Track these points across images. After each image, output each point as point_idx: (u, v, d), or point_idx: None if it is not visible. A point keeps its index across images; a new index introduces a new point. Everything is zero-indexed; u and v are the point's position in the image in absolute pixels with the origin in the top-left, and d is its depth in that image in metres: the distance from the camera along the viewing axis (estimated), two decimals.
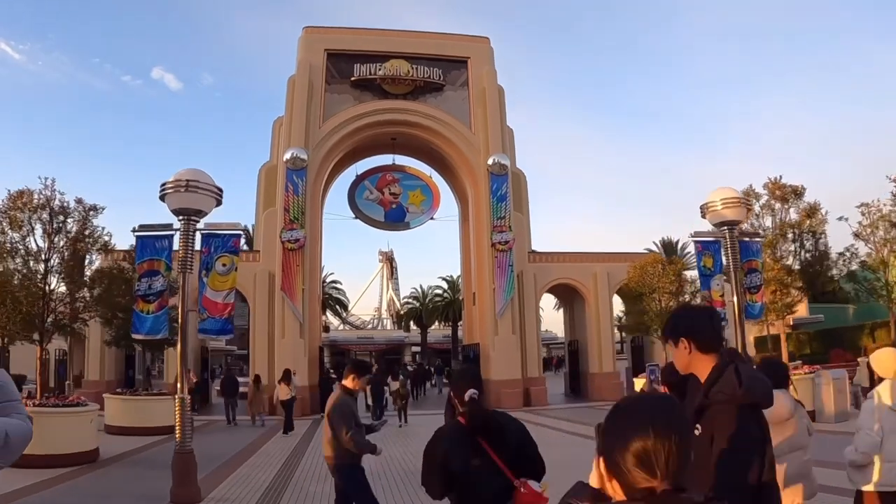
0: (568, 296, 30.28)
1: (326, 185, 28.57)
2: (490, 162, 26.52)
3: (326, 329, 63.93)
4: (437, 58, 27.83)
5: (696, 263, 14.71)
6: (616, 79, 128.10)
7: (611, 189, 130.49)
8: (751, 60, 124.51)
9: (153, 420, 18.20)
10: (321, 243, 26.83)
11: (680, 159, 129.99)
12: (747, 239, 13.66)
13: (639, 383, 20.72)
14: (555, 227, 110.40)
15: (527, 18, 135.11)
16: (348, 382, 6.09)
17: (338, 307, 54.41)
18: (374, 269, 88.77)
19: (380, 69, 26.95)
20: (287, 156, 25.00)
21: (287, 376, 19.07)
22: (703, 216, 12.77)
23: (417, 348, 57.63)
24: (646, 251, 32.73)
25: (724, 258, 12.82)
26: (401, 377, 22.24)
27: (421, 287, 54.86)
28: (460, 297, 50.33)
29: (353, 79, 26.95)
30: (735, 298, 12.17)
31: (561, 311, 35.08)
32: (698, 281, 26.92)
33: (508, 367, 25.08)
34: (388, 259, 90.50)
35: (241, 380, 23.59)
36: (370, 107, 26.84)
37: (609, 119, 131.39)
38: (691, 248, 26.83)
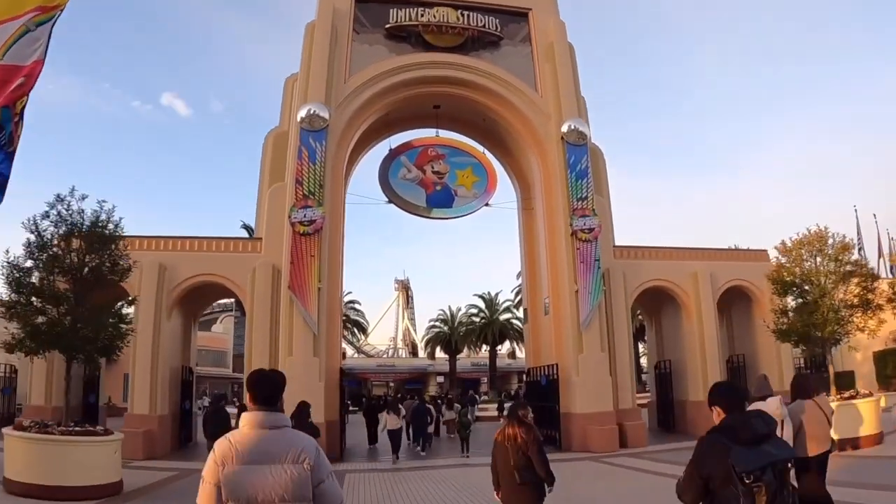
0: (654, 303, 22.74)
1: (351, 162, 21.47)
2: (565, 129, 19.41)
3: (342, 356, 56.22)
4: (492, 7, 21.02)
5: None
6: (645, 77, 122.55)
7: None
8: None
9: (73, 475, 10.72)
10: (343, 230, 19.57)
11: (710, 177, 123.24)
12: None
13: None
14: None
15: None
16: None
17: (356, 330, 46.43)
18: (389, 298, 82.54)
19: (422, 15, 20.19)
20: (302, 113, 17.97)
21: (395, 406, 18.16)
22: None
23: (442, 378, 49.67)
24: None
25: None
26: (457, 405, 20.59)
27: (449, 308, 47.13)
28: (499, 317, 43.16)
29: (387, 26, 20.13)
30: None
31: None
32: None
33: (597, 395, 17.42)
34: (404, 288, 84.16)
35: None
36: (409, 59, 19.90)
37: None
38: None
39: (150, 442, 17.00)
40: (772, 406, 5.66)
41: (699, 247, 21.55)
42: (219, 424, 13.23)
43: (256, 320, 17.31)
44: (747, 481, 2.73)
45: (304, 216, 17.04)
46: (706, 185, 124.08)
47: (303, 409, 9.96)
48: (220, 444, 2.77)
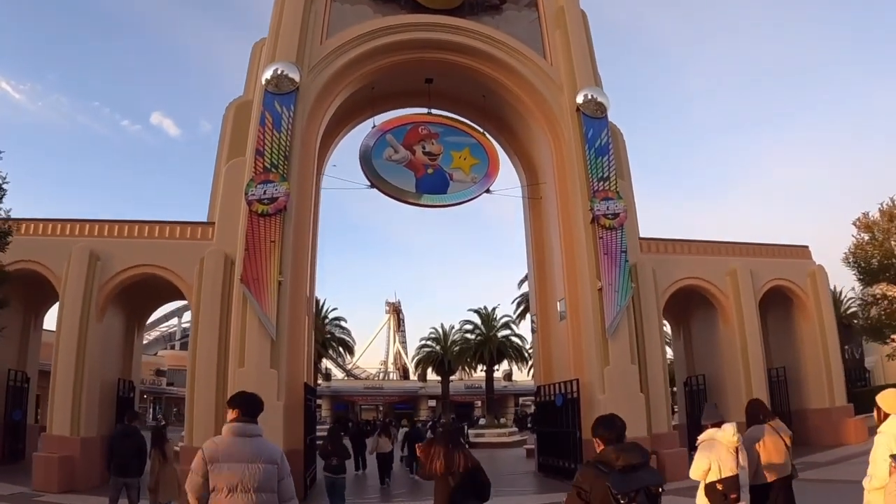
0: (682, 307, 19.13)
1: (329, 142, 17.99)
2: (580, 99, 16.11)
3: (328, 377, 51.94)
4: None
5: None
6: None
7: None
8: None
9: None
10: (317, 215, 15.98)
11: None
12: None
13: None
14: None
15: None
16: None
17: (342, 349, 42.25)
18: (380, 321, 78.95)
19: None
20: (268, 73, 14.54)
21: (387, 429, 17.47)
22: None
23: (433, 402, 45.48)
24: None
25: None
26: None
27: (442, 326, 43.14)
28: (497, 334, 39.17)
29: None
30: None
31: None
32: None
33: (627, 417, 13.25)
34: (395, 310, 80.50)
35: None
36: (397, 20, 16.62)
37: None
38: None
39: (68, 470, 13.23)
40: (728, 433, 5.24)
41: (736, 241, 18.05)
42: (129, 454, 9.47)
43: (203, 322, 13.56)
44: (623, 501, 2.97)
45: (264, 192, 13.50)
46: (712, 191, 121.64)
47: (336, 433, 11.62)
48: (208, 446, 3.56)
